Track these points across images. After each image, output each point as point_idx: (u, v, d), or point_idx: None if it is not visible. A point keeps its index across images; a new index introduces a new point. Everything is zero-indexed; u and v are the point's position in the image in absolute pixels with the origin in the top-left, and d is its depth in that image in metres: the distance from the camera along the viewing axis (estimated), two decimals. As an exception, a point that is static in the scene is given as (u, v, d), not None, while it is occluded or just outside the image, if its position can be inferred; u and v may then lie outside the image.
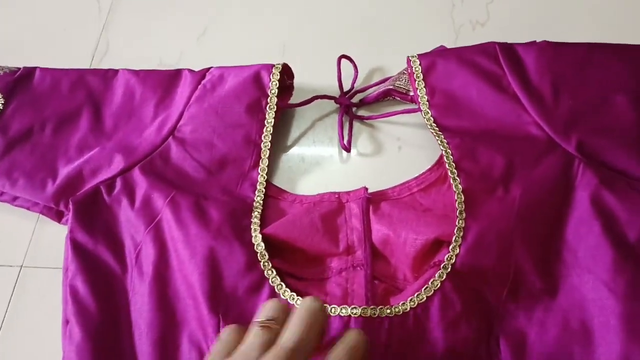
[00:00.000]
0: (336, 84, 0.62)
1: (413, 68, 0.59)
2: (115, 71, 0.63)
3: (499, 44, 0.59)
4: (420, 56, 0.59)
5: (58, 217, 0.56)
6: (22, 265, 0.56)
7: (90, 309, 0.49)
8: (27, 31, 0.73)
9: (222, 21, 0.71)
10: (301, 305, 0.40)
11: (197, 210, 0.52)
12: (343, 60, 0.63)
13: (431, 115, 0.57)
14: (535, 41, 0.59)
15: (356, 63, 0.63)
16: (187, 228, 0.51)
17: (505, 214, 0.49)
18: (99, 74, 0.63)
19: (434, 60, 0.59)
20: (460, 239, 0.49)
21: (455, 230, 0.49)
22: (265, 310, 0.40)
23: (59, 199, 0.55)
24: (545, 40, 0.59)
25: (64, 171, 0.55)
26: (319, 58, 0.65)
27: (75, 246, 0.51)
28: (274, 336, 0.38)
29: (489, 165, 0.52)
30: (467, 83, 0.57)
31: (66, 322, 0.49)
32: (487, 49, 0.58)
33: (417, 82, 0.58)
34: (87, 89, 0.61)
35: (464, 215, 0.50)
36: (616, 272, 0.47)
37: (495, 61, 0.58)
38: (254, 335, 0.38)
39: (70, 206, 0.53)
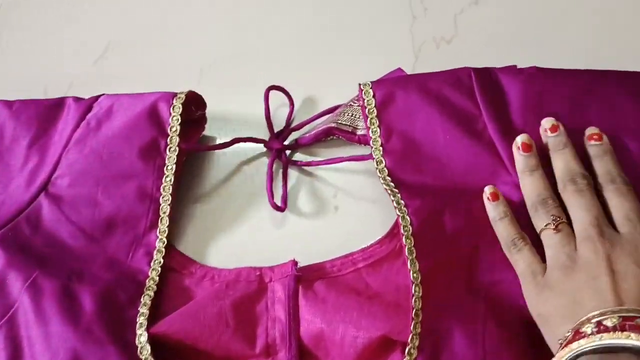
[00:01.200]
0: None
1: (365, 100, 0.46)
2: None
3: (475, 70, 0.46)
4: (374, 85, 0.46)
5: None
6: None
7: None
8: None
9: (126, 40, 0.57)
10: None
11: (64, 297, 0.39)
12: (274, 92, 0.50)
13: (385, 166, 0.44)
14: (519, 68, 0.46)
15: (290, 94, 0.50)
16: (47, 324, 0.38)
17: (474, 308, 0.38)
18: None
19: (392, 91, 0.46)
20: (417, 340, 0.37)
21: (412, 326, 0.37)
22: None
23: None
24: (535, 67, 0.46)
25: None
26: (246, 84, 0.52)
27: None
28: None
29: (456, 239, 0.41)
30: (432, 124, 0.45)
31: None
32: (460, 77, 0.46)
33: (369, 119, 0.46)
34: None
35: (420, 306, 0.38)
36: None
37: (469, 95, 0.45)
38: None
39: None
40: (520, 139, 0.42)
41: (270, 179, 0.47)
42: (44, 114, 0.48)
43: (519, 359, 0.37)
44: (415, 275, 0.39)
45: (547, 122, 0.42)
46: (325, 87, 0.52)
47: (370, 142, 0.45)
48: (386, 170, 0.44)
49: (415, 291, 0.38)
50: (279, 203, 0.46)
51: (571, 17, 0.54)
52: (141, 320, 0.39)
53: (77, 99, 0.49)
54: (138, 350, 0.38)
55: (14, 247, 0.42)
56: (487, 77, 0.46)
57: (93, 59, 0.56)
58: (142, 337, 0.39)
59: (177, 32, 0.57)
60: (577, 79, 0.45)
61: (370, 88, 0.46)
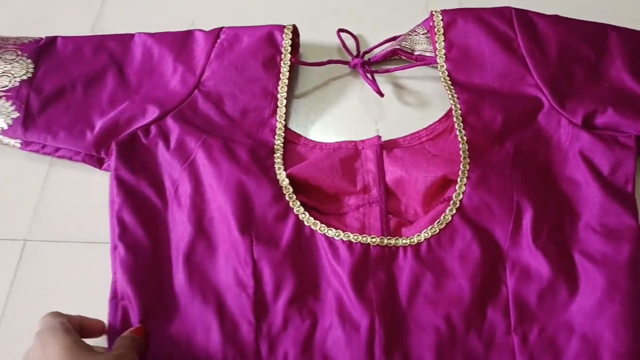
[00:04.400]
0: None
1: (435, 22, 0.65)
2: (132, 35, 0.67)
3: (515, 9, 0.65)
4: (443, 12, 0.65)
5: (99, 163, 0.61)
6: (25, 240, 0.59)
7: (135, 234, 0.54)
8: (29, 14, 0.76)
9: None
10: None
11: (226, 150, 0.57)
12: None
13: (446, 69, 0.63)
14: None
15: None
16: (219, 165, 0.56)
17: (502, 162, 0.56)
18: (117, 38, 0.67)
19: (455, 17, 0.65)
20: (466, 178, 0.55)
21: (460, 171, 0.55)
22: None
23: (99, 147, 0.59)
24: (557, 14, 0.65)
25: (100, 122, 0.60)
26: (318, 31, 0.70)
27: (120, 182, 0.56)
28: None
29: (490, 121, 0.59)
30: (481, 42, 0.63)
31: (114, 247, 0.54)
32: (504, 13, 0.65)
33: (437, 35, 0.64)
34: (108, 52, 0.66)
35: (467, 160, 0.56)
36: (603, 214, 0.54)
37: (510, 24, 0.64)
38: None
39: (113, 147, 0.58)
40: None
41: (367, 79, 0.65)
42: (179, 39, 0.66)
43: (536, 191, 0.55)
44: (463, 142, 0.57)
45: None
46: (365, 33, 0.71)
47: (436, 51, 0.64)
48: (446, 72, 0.63)
49: (463, 150, 0.57)
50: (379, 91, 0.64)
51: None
52: (278, 165, 0.58)
53: (202, 30, 0.67)
54: (280, 182, 0.56)
55: (184, 122, 0.60)
56: (522, 13, 0.65)
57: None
58: (282, 175, 0.57)
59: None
60: (589, 25, 0.64)
61: (440, 13, 0.65)
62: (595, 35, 0.64)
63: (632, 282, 0.50)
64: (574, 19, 0.65)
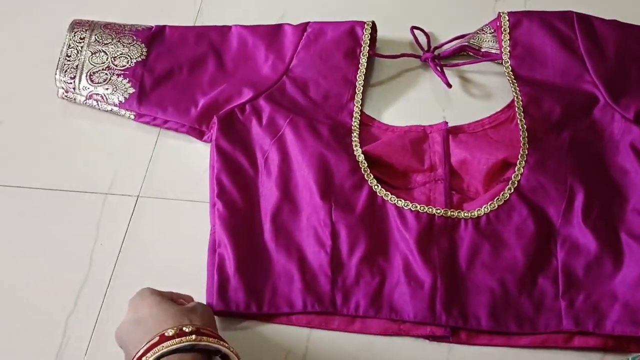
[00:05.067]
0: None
1: (502, 22, 0.72)
2: (229, 27, 0.77)
3: (577, 13, 0.71)
4: (509, 13, 0.72)
5: (200, 135, 0.70)
6: (138, 195, 0.68)
7: (231, 194, 0.63)
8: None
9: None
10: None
11: (311, 128, 0.66)
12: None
13: (510, 65, 0.70)
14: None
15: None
16: (304, 140, 0.65)
17: (559, 149, 0.63)
18: (217, 29, 0.77)
19: (521, 18, 0.72)
20: (524, 162, 0.62)
21: (520, 155, 0.62)
22: None
23: (201, 121, 0.69)
24: (615, 20, 0.71)
25: (202, 100, 0.70)
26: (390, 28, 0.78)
27: (219, 150, 0.66)
28: None
29: (549, 113, 0.66)
30: (544, 41, 0.70)
31: (213, 204, 0.63)
32: (566, 16, 0.71)
33: (503, 34, 0.71)
34: (209, 41, 0.76)
35: (527, 145, 0.63)
36: None
37: (571, 27, 0.70)
38: None
39: (215, 121, 0.67)
40: None
41: (437, 72, 0.72)
42: (270, 31, 0.75)
43: (589, 176, 0.61)
44: (523, 130, 0.64)
45: None
46: (441, 28, 0.78)
47: (501, 49, 0.71)
48: (510, 67, 0.70)
49: (522, 137, 0.63)
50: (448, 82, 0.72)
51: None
52: (355, 143, 0.66)
53: (290, 24, 0.75)
54: (356, 157, 0.64)
55: (274, 103, 0.69)
56: (584, 17, 0.71)
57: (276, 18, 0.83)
58: (358, 151, 0.65)
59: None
60: None
61: (507, 14, 0.71)
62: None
63: (673, 258, 0.56)
64: (632, 24, 0.70)
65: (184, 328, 0.47)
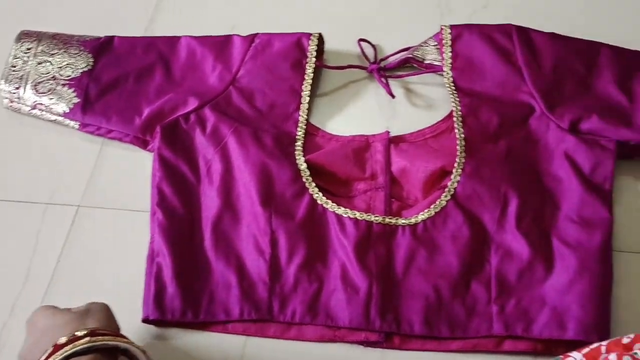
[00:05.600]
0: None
1: (444, 35, 0.73)
2: (179, 37, 0.77)
3: (516, 26, 0.73)
4: (451, 26, 0.74)
5: (144, 145, 0.70)
6: (79, 205, 0.68)
7: (172, 202, 0.63)
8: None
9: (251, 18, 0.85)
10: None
11: (254, 136, 0.67)
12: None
13: (451, 76, 0.71)
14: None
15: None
16: (247, 148, 0.66)
17: (495, 158, 0.64)
18: (166, 39, 0.77)
19: (462, 31, 0.73)
20: (461, 170, 0.63)
21: (456, 163, 0.63)
22: None
23: (145, 130, 0.69)
24: (553, 32, 0.73)
25: (147, 109, 0.70)
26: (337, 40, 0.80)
27: (161, 159, 0.66)
28: None
29: (487, 122, 0.67)
30: (484, 54, 0.72)
31: (153, 213, 0.63)
32: (505, 29, 0.73)
33: (444, 47, 0.73)
34: (158, 51, 0.76)
35: (463, 154, 0.64)
36: (581, 207, 0.61)
37: (510, 40, 0.72)
38: None
39: (158, 130, 0.68)
40: None
41: (382, 83, 0.74)
42: (219, 42, 0.76)
43: (523, 184, 0.62)
44: (460, 139, 0.65)
45: None
46: (387, 40, 0.80)
47: (443, 61, 0.72)
48: (451, 79, 0.71)
49: (460, 146, 0.65)
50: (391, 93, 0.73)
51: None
52: (298, 152, 0.66)
53: (239, 35, 0.76)
54: (298, 166, 0.65)
55: (219, 112, 0.69)
56: (522, 30, 0.72)
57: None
58: (301, 160, 0.65)
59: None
60: (582, 42, 0.72)
61: (449, 28, 0.73)
62: (587, 51, 0.71)
63: (601, 265, 0.57)
64: (569, 37, 0.72)
65: (77, 333, 0.47)
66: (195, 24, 0.83)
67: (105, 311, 0.53)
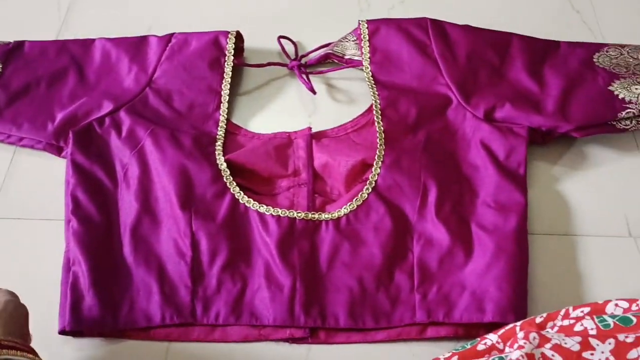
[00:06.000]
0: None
1: (362, 30, 0.74)
2: (93, 40, 0.75)
3: (431, 19, 0.74)
4: (368, 21, 0.74)
5: (58, 151, 0.68)
6: None
7: (87, 209, 0.61)
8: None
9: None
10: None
11: (172, 138, 0.65)
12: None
13: (370, 70, 0.72)
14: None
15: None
16: (164, 150, 0.64)
17: (414, 148, 0.65)
18: (79, 42, 0.75)
19: (379, 26, 0.74)
20: (381, 162, 0.64)
21: (376, 156, 0.64)
22: None
23: (58, 136, 0.66)
24: (467, 25, 0.74)
25: (60, 115, 0.67)
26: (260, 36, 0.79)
27: (75, 165, 0.64)
28: None
29: (406, 115, 0.68)
30: (401, 47, 0.73)
31: (68, 221, 0.61)
32: (421, 22, 0.74)
33: (363, 41, 0.73)
34: (71, 54, 0.74)
35: (383, 146, 0.65)
36: (497, 192, 0.62)
37: (425, 32, 0.73)
38: None
39: (71, 135, 0.65)
40: None
41: (302, 79, 0.73)
42: (135, 43, 0.74)
43: (442, 173, 0.63)
44: (380, 131, 0.66)
45: None
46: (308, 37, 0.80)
47: (362, 55, 0.73)
48: (370, 73, 0.72)
49: (379, 139, 0.65)
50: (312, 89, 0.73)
51: None
52: (218, 151, 0.65)
53: (156, 36, 0.75)
54: (219, 166, 0.64)
55: (135, 115, 0.68)
56: (437, 23, 0.74)
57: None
58: (221, 160, 0.64)
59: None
60: (494, 33, 0.73)
61: (366, 23, 0.74)
62: (500, 42, 0.73)
63: (516, 246, 0.58)
64: (483, 28, 0.74)
65: None
66: (111, 26, 0.80)
67: (18, 313, 0.48)
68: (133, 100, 0.69)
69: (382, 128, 0.66)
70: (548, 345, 0.37)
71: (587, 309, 0.45)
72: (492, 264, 0.57)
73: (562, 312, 0.46)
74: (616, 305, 0.45)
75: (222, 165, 0.64)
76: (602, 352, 0.36)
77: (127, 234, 0.61)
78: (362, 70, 0.73)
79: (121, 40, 0.75)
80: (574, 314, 0.45)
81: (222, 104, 0.70)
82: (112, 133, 0.66)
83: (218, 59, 0.73)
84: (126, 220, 0.62)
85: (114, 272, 0.59)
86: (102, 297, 0.57)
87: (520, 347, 0.37)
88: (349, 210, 0.61)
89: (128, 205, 0.62)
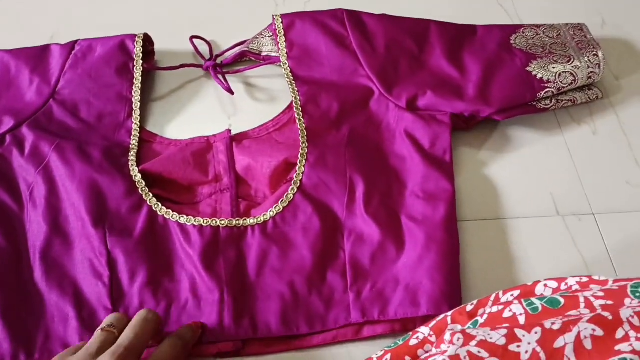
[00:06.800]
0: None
1: (276, 25, 0.71)
2: None
3: (347, 10, 0.72)
4: (282, 16, 0.72)
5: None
6: None
7: (-11, 238, 0.56)
8: None
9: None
10: (138, 314, 0.51)
11: (79, 152, 0.61)
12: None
13: (289, 66, 0.69)
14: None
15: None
16: (72, 165, 0.60)
17: (338, 144, 0.63)
18: None
19: (294, 20, 0.71)
20: (305, 160, 0.61)
21: (300, 154, 0.61)
22: (106, 319, 0.51)
23: None
24: (384, 13, 0.73)
25: (-46, 135, 0.62)
26: (175, 36, 0.76)
27: (-27, 190, 0.58)
28: (112, 338, 0.48)
29: (328, 110, 0.66)
30: (318, 40, 0.70)
31: (-31, 252, 0.56)
32: (337, 14, 0.72)
33: (279, 37, 0.71)
34: None
35: (306, 144, 0.62)
36: (424, 181, 0.61)
37: (342, 24, 0.71)
38: (96, 336, 0.48)
39: (-34, 156, 0.60)
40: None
41: (218, 80, 0.70)
42: (37, 54, 0.69)
43: (368, 167, 0.61)
44: (302, 129, 0.64)
45: None
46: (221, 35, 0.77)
47: (279, 51, 0.70)
48: (289, 69, 0.69)
49: (302, 136, 0.63)
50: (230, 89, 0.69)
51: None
52: (132, 162, 0.61)
53: (58, 44, 0.70)
54: (133, 177, 0.60)
55: (39, 130, 0.63)
56: (353, 13, 0.72)
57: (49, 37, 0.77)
58: (135, 171, 0.61)
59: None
60: (410, 21, 0.72)
61: (280, 17, 0.71)
62: (418, 30, 0.72)
63: (447, 235, 0.57)
64: (400, 17, 0.73)
65: None
66: (8, 35, 0.75)
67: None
68: (36, 114, 0.65)
69: (303, 125, 0.64)
70: (473, 343, 0.35)
71: (516, 292, 0.44)
72: (423, 256, 0.56)
73: (493, 297, 0.45)
74: (545, 285, 0.44)
75: (137, 176, 0.60)
76: (529, 344, 0.35)
77: (37, 258, 0.56)
78: (281, 66, 0.70)
79: (21, 51, 0.70)
80: (504, 298, 0.44)
81: (134, 112, 0.67)
82: (13, 151, 0.61)
83: (126, 64, 0.69)
84: (35, 243, 0.57)
85: (25, 301, 0.55)
86: (13, 329, 0.53)
87: (443, 352, 0.35)
88: (275, 212, 0.59)
89: (36, 228, 0.58)
